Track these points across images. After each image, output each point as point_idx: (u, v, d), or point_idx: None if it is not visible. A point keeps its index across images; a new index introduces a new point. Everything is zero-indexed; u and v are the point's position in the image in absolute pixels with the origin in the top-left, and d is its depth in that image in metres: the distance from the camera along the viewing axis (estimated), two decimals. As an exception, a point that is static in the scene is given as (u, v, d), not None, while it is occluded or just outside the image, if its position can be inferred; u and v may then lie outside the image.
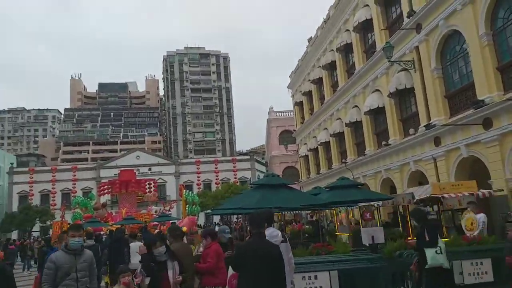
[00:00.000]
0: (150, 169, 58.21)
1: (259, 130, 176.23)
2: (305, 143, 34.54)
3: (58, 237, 12.55)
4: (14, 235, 46.25)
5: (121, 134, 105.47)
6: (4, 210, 53.94)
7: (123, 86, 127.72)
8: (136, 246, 10.12)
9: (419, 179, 17.86)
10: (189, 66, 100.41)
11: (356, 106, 23.19)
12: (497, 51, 12.84)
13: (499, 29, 12.76)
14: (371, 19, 20.71)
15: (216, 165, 61.80)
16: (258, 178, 54.96)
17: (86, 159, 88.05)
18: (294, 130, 39.03)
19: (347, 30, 24.06)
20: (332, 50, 26.64)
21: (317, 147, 30.91)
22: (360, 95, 22.48)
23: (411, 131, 17.35)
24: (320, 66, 29.05)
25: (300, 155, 36.43)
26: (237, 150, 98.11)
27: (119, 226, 18.71)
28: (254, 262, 4.42)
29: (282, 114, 51.61)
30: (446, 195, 11.20)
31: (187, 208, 25.54)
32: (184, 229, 17.07)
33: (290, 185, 10.05)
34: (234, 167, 62.01)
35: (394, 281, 7.27)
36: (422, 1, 16.13)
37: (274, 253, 4.55)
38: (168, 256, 5.53)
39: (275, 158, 49.98)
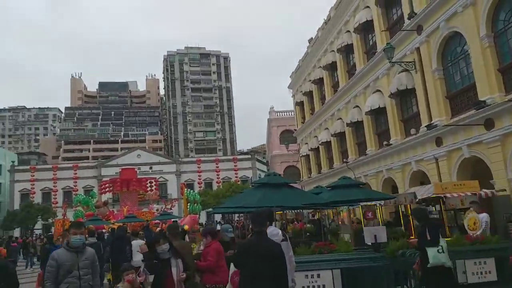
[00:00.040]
0: (151, 168, 58.27)
1: (259, 129, 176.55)
2: (306, 143, 34.58)
3: (61, 234, 12.63)
4: (16, 232, 46.35)
5: (122, 133, 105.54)
6: (6, 208, 54.05)
7: (124, 85, 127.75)
8: (138, 244, 10.16)
9: (421, 179, 17.91)
10: (190, 65, 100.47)
11: (357, 106, 23.23)
12: (498, 52, 12.91)
13: (500, 31, 12.81)
14: (372, 20, 20.76)
15: (217, 164, 61.88)
16: (259, 177, 55.00)
17: (87, 158, 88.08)
18: (295, 130, 39.08)
19: (348, 31, 24.10)
20: (333, 50, 26.68)
21: (318, 147, 30.96)
22: (361, 95, 22.53)
23: (413, 131, 17.40)
24: (320, 67, 29.09)
25: (301, 155, 36.48)
26: (238, 150, 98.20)
27: (120, 224, 18.80)
28: (256, 260, 4.45)
29: (283, 114, 51.68)
30: (448, 195, 11.26)
31: (188, 207, 25.64)
32: (186, 227, 17.19)
33: (291, 184, 10.09)
34: (235, 166, 62.09)
35: (397, 280, 7.30)
36: (423, 3, 16.18)
37: (275, 251, 4.58)
38: (172, 254, 5.47)
39: (276, 157, 50.04)
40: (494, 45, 12.96)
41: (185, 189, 27.60)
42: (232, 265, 6.01)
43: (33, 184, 56.49)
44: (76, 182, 57.45)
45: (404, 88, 17.54)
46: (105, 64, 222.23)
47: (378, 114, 21.02)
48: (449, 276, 6.22)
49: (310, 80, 31.97)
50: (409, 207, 13.39)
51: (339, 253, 7.90)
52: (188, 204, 26.11)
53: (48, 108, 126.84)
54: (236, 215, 30.16)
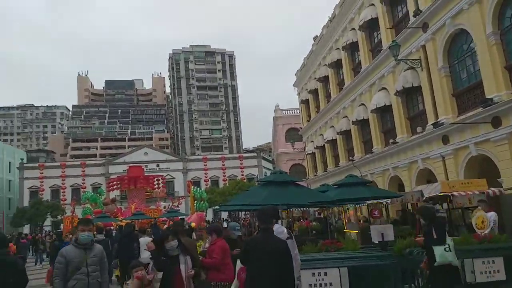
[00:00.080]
0: (158, 166, 58.48)
1: (263, 128, 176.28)
2: (312, 141, 34.56)
3: (72, 231, 12.79)
4: (26, 229, 46.78)
5: (129, 131, 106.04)
6: (16, 205, 54.61)
7: (130, 84, 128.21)
8: (145, 241, 10.22)
9: (428, 177, 17.87)
10: (195, 64, 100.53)
11: (363, 104, 23.18)
12: (505, 50, 12.84)
13: (506, 28, 12.73)
14: (377, 18, 20.69)
15: (223, 162, 62.00)
16: (265, 175, 55.04)
17: (95, 155, 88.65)
18: (301, 128, 39.04)
19: (353, 28, 24.03)
20: (338, 48, 26.62)
21: (324, 145, 30.93)
22: (367, 93, 22.47)
23: (419, 129, 17.35)
24: (326, 64, 29.03)
25: (307, 153, 36.46)
26: (243, 148, 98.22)
27: (128, 221, 18.96)
28: (262, 256, 4.47)
29: (288, 112, 51.61)
30: (456, 193, 11.21)
31: (195, 204, 25.76)
32: (193, 224, 17.31)
33: (297, 182, 10.12)
34: (241, 164, 62.16)
35: (404, 278, 7.28)
36: (428, 0, 16.09)
37: (282, 248, 4.61)
38: (181, 250, 5.45)
39: (282, 155, 50.04)
40: (501, 43, 12.88)
41: (192, 187, 27.71)
42: (238, 262, 6.08)
43: (42, 182, 56.99)
44: (84, 179, 57.85)
45: (410, 86, 17.49)
46: (107, 64, 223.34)
47: (384, 112, 20.97)
48: (456, 274, 6.21)
49: (315, 78, 31.91)
50: (416, 206, 13.38)
51: (346, 251, 7.91)
52: (195, 201, 26.22)
53: (55, 106, 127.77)
54: (243, 212, 30.24)
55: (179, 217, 21.87)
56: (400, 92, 18.27)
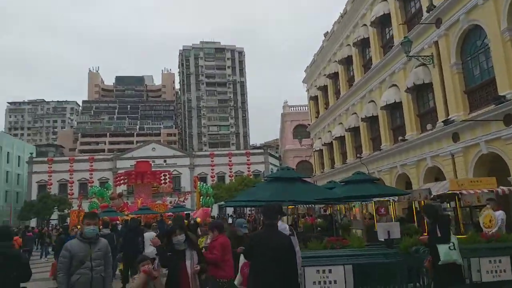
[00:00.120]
0: (165, 161, 58.78)
1: (273, 124, 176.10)
2: (320, 138, 34.36)
3: (77, 224, 12.83)
4: (33, 223, 47.38)
5: (138, 127, 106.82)
6: (24, 199, 55.28)
7: (140, 79, 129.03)
8: (150, 236, 10.23)
9: (436, 175, 17.61)
10: (205, 60, 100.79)
11: (373, 101, 22.93)
12: (520, 46, 12.51)
13: (522, 23, 12.41)
14: (389, 13, 20.41)
15: (230, 158, 62.10)
16: (271, 171, 55.01)
17: (103, 150, 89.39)
18: (309, 125, 38.85)
19: (364, 24, 23.76)
20: (349, 44, 26.36)
21: (331, 142, 30.73)
22: (377, 90, 22.22)
23: (429, 126, 17.09)
24: (336, 61, 28.79)
25: (314, 149, 36.27)
26: (251, 144, 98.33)
27: (134, 216, 19.01)
28: (266, 252, 4.47)
29: (297, 108, 51.36)
30: (464, 192, 11.03)
31: (201, 200, 25.79)
32: (198, 220, 17.28)
33: (304, 179, 10.00)
34: (247, 160, 62.21)
35: (410, 277, 7.17)
36: (443, -5, 15.78)
37: (286, 244, 4.62)
38: (188, 245, 5.35)
39: (289, 152, 49.87)
40: (516, 39, 12.57)
41: (198, 182, 27.76)
42: (241, 257, 5.99)
43: (50, 176, 57.63)
44: (92, 174, 58.36)
45: (421, 83, 17.21)
46: (119, 60, 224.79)
47: (394, 109, 20.71)
48: (461, 273, 6.13)
49: (325, 75, 31.68)
50: (422, 203, 13.17)
51: (352, 249, 7.79)
52: (201, 197, 26.27)
53: (66, 101, 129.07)
54: (248, 209, 30.24)
55: (185, 212, 21.86)
56: (411, 89, 17.99)
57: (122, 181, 32.13)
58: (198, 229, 12.37)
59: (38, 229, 30.59)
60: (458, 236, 6.99)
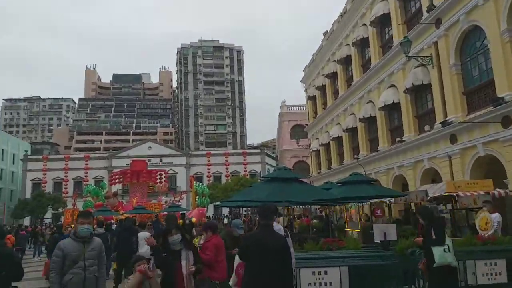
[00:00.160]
0: (161, 160, 58.55)
1: (270, 124, 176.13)
2: (317, 138, 34.29)
3: (70, 223, 12.67)
4: (27, 221, 46.99)
5: (134, 125, 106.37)
6: (18, 197, 54.89)
7: (137, 77, 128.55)
8: (144, 235, 10.09)
9: (433, 176, 17.57)
10: (203, 58, 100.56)
11: (371, 101, 22.88)
12: (519, 48, 12.45)
13: (522, 25, 12.36)
14: (389, 13, 20.36)
15: (226, 157, 61.96)
16: (268, 172, 54.87)
17: (99, 149, 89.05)
18: (306, 125, 38.78)
19: (364, 24, 23.70)
20: (348, 44, 26.29)
21: (329, 142, 30.66)
22: (375, 90, 22.16)
23: (427, 127, 17.04)
24: (335, 61, 28.73)
25: (311, 150, 36.20)
26: (247, 144, 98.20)
27: (129, 215, 18.83)
28: (262, 252, 4.45)
29: (294, 108, 51.29)
30: (461, 194, 10.98)
31: (197, 200, 25.65)
32: (194, 220, 17.12)
33: (301, 180, 9.88)
34: (244, 160, 62.09)
35: (406, 279, 7.12)
36: (443, -5, 15.72)
37: (281, 245, 4.61)
38: (183, 245, 5.24)
39: (286, 152, 49.80)
40: (515, 40, 12.52)
41: (194, 182, 27.63)
42: (237, 257, 5.89)
43: (45, 174, 57.24)
44: (87, 172, 58.05)
45: (420, 84, 17.16)
46: (116, 58, 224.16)
47: (392, 109, 20.66)
48: (456, 275, 6.11)
49: (323, 74, 31.61)
50: (419, 205, 13.11)
51: (348, 250, 7.73)
52: (197, 197, 26.13)
53: (62, 99, 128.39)
54: (244, 209, 30.10)
55: (180, 212, 21.71)
56: (410, 90, 17.94)
57: (117, 180, 31.92)
58: (193, 230, 12.22)
59: (32, 228, 30.29)
60: (453, 239, 6.94)
